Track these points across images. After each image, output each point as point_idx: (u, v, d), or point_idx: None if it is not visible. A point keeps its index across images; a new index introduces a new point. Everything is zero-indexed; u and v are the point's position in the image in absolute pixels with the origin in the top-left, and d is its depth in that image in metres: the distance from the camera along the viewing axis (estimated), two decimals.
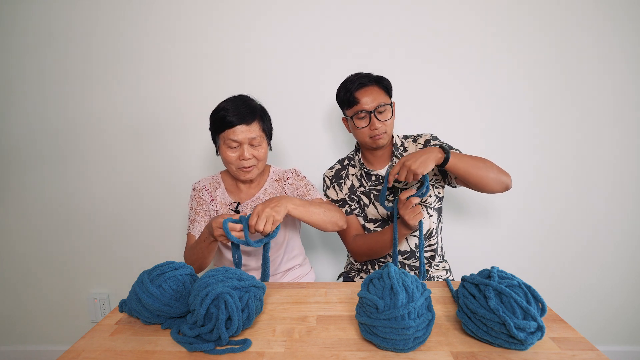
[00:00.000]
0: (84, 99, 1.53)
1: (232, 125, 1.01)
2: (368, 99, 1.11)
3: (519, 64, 1.43)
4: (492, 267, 0.68)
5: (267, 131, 1.10)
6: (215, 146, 1.10)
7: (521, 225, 1.54)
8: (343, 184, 1.25)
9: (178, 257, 1.61)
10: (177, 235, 1.63)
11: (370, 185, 1.21)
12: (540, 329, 0.60)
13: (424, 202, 1.16)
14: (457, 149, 1.14)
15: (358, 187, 1.23)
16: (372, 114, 1.11)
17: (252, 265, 1.15)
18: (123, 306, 0.75)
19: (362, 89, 1.13)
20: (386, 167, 1.21)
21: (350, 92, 1.13)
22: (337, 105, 1.25)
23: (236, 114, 1.01)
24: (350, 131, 1.22)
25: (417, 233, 1.16)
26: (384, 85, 1.14)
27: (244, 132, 1.02)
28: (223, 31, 1.47)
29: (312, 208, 1.02)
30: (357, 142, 1.26)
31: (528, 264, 1.57)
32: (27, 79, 1.53)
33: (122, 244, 1.65)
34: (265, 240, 0.95)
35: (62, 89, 1.53)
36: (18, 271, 1.69)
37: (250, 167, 1.06)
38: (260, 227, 0.90)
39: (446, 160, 1.00)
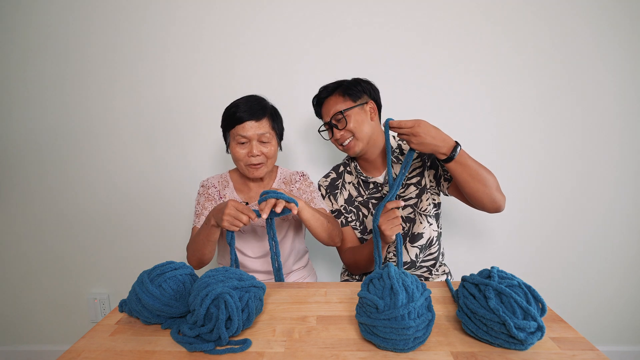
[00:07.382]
0: (86, 100, 1.54)
1: (241, 120, 1.03)
2: (326, 111, 1.11)
3: (520, 63, 1.43)
4: (492, 267, 0.67)
5: (278, 130, 1.11)
6: (226, 143, 1.11)
7: (521, 227, 1.54)
8: (339, 194, 1.20)
9: (178, 257, 1.61)
10: (178, 236, 1.63)
11: (369, 194, 1.16)
12: (540, 329, 0.60)
13: (423, 211, 1.11)
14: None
15: (356, 197, 1.18)
16: (331, 125, 1.10)
17: (254, 267, 1.14)
18: (123, 306, 0.75)
19: (323, 103, 1.13)
20: (383, 173, 1.15)
21: (315, 106, 1.15)
22: None
23: (246, 109, 1.03)
24: None
25: (418, 243, 1.11)
26: (344, 90, 1.08)
27: (253, 127, 1.03)
28: (227, 34, 1.46)
29: (318, 214, 1.03)
30: None
31: (528, 265, 1.57)
32: (38, 79, 1.53)
33: (123, 243, 1.65)
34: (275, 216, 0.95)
35: (67, 91, 1.54)
36: (18, 271, 1.69)
37: (258, 164, 1.06)
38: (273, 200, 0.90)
39: (449, 159, 0.92)
